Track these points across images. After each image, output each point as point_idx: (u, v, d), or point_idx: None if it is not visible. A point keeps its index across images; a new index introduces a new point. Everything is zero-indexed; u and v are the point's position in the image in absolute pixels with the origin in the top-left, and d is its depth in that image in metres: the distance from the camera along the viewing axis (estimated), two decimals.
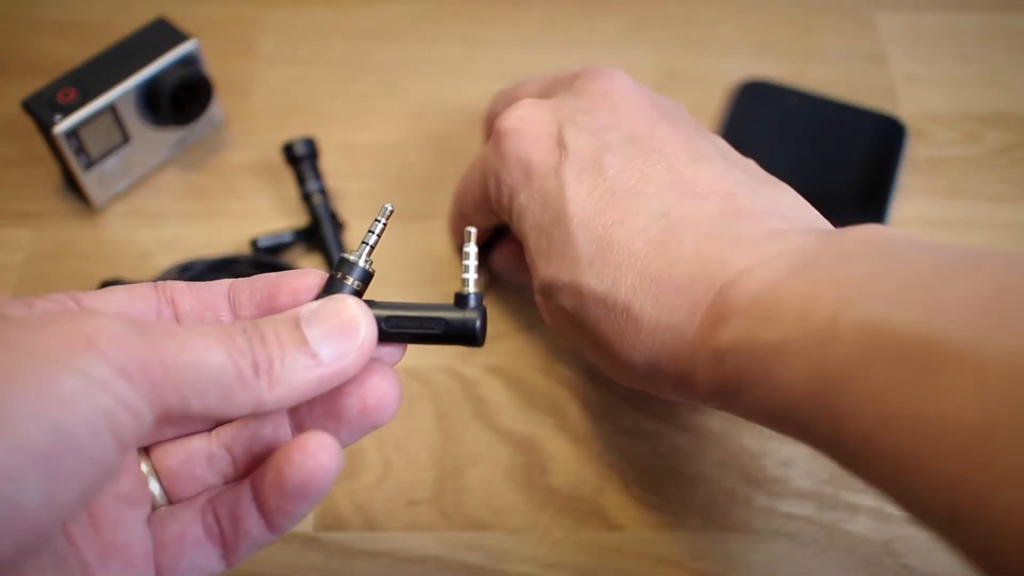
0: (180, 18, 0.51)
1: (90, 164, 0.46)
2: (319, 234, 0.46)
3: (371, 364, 0.27)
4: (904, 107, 0.52)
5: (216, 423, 0.28)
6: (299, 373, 0.24)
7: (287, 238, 0.46)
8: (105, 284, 0.43)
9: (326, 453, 0.25)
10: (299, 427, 0.28)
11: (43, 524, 0.20)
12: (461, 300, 0.27)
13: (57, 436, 0.20)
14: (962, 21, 0.57)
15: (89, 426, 0.20)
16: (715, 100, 0.53)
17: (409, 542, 0.38)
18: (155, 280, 0.28)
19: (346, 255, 0.27)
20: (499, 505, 0.39)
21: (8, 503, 0.19)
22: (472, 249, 0.28)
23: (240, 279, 0.28)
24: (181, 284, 0.27)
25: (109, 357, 0.21)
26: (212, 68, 0.49)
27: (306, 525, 0.38)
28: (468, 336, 0.27)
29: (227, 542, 0.27)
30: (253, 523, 0.26)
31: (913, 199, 0.49)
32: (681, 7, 0.57)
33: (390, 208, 0.28)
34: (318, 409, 0.27)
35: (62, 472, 0.20)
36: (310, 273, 0.27)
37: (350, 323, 0.25)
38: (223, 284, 0.28)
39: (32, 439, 0.20)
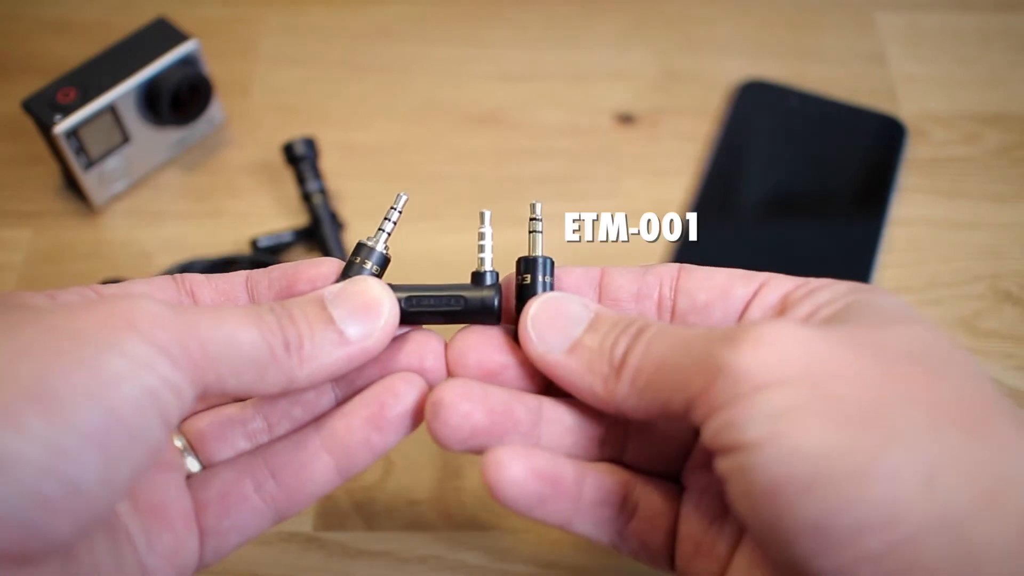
0: (180, 18, 0.50)
1: (90, 164, 0.46)
2: (319, 234, 0.46)
3: (422, 330, 0.28)
4: (904, 107, 0.52)
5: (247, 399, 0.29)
6: (327, 351, 0.25)
7: (287, 238, 0.46)
8: (105, 284, 0.43)
9: (420, 389, 0.27)
10: (350, 387, 0.28)
11: (100, 504, 0.21)
12: (478, 278, 0.28)
13: (109, 417, 0.20)
14: (962, 21, 0.57)
15: (137, 406, 0.21)
16: (715, 100, 0.53)
17: (409, 542, 0.38)
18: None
19: (364, 241, 0.28)
20: (499, 505, 0.39)
21: (69, 483, 0.20)
22: (487, 230, 0.28)
23: (256, 270, 0.28)
24: (199, 276, 0.28)
25: (150, 337, 0.21)
26: (212, 68, 0.49)
27: (306, 525, 0.38)
28: (486, 312, 0.27)
29: (288, 493, 0.27)
30: (320, 468, 0.27)
31: (913, 199, 0.49)
32: (681, 7, 0.57)
33: (405, 197, 0.28)
34: (372, 368, 0.28)
35: (115, 451, 0.21)
36: (326, 262, 0.28)
37: (373, 302, 0.26)
38: (240, 275, 0.28)
39: (86, 420, 0.20)
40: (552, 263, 0.28)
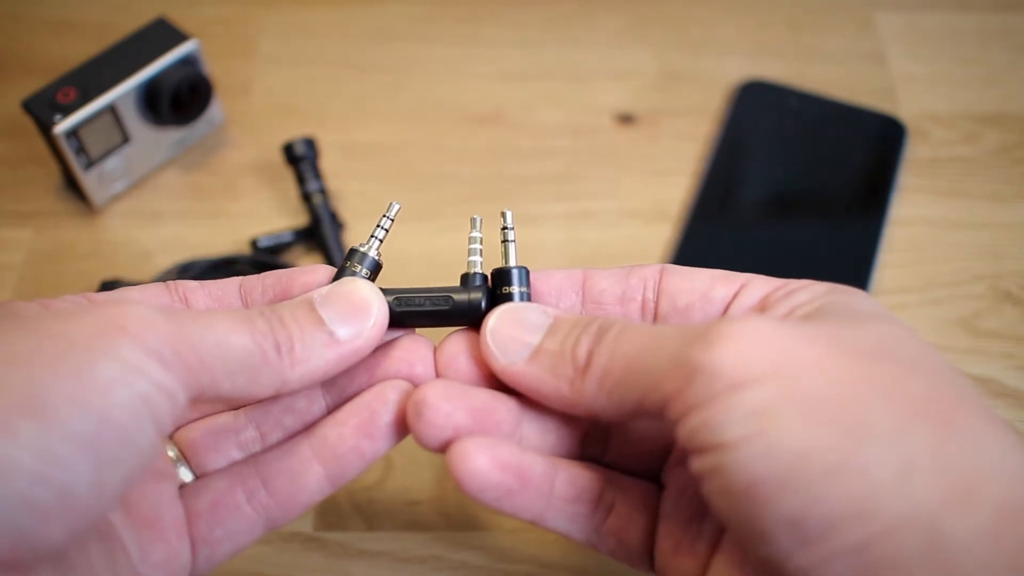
0: (180, 18, 0.51)
1: (90, 164, 0.46)
2: (319, 234, 0.46)
3: (412, 336, 0.28)
4: (904, 107, 0.52)
5: (240, 406, 0.29)
6: (318, 352, 0.25)
7: (287, 238, 0.46)
8: (105, 284, 0.43)
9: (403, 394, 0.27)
10: (340, 395, 0.28)
11: (92, 511, 0.21)
12: (467, 280, 0.28)
13: (100, 422, 0.20)
14: (962, 21, 0.57)
15: (129, 411, 0.21)
16: (715, 100, 0.53)
17: (409, 542, 0.38)
18: (155, 280, 0.28)
19: (356, 246, 0.28)
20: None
21: (61, 490, 0.20)
22: (478, 235, 0.28)
23: (250, 276, 0.28)
24: (192, 282, 0.28)
25: (142, 342, 0.21)
26: (212, 68, 0.49)
27: (306, 525, 0.38)
28: (474, 313, 0.28)
29: (279, 502, 0.27)
30: (312, 477, 0.27)
31: (913, 199, 0.49)
32: (681, 7, 0.57)
33: (397, 206, 0.29)
34: (362, 376, 0.28)
35: (108, 458, 0.20)
36: (320, 269, 0.28)
37: (362, 302, 0.26)
38: (233, 282, 0.28)
39: (77, 426, 0.20)
40: (527, 272, 0.28)
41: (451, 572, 0.37)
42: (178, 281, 0.28)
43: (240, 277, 0.28)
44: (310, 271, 0.28)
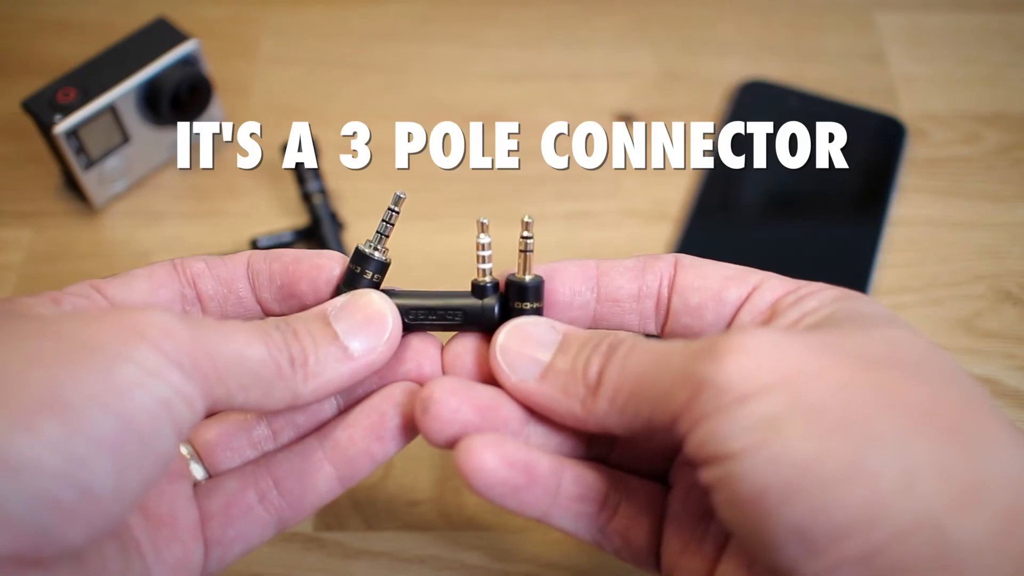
0: (180, 18, 0.50)
1: (90, 164, 0.46)
2: (319, 234, 0.46)
3: (421, 335, 0.28)
4: (904, 107, 0.52)
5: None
6: (332, 366, 0.25)
7: (287, 238, 0.46)
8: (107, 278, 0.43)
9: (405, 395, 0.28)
10: (351, 394, 0.29)
11: (113, 513, 0.21)
12: (478, 289, 0.28)
13: (121, 425, 0.20)
14: (962, 21, 0.57)
15: (150, 415, 0.21)
16: (715, 100, 0.53)
17: (409, 542, 0.38)
18: None
19: (362, 248, 0.27)
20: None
21: (82, 490, 0.20)
22: (486, 239, 0.28)
23: (257, 253, 0.28)
24: (199, 264, 0.28)
25: (162, 349, 0.21)
26: (212, 68, 0.49)
27: (306, 525, 0.38)
28: (487, 323, 0.28)
29: (291, 502, 0.27)
30: (322, 478, 0.27)
31: (913, 199, 0.49)
32: (681, 7, 0.57)
33: (403, 195, 0.28)
34: (372, 376, 0.28)
35: (128, 460, 0.21)
36: (326, 255, 0.28)
37: (377, 317, 0.26)
38: (241, 262, 0.28)
39: (99, 427, 0.20)
40: (542, 284, 0.27)
41: (451, 572, 0.37)
42: (185, 260, 0.28)
43: (247, 253, 0.28)
44: (316, 261, 0.27)
